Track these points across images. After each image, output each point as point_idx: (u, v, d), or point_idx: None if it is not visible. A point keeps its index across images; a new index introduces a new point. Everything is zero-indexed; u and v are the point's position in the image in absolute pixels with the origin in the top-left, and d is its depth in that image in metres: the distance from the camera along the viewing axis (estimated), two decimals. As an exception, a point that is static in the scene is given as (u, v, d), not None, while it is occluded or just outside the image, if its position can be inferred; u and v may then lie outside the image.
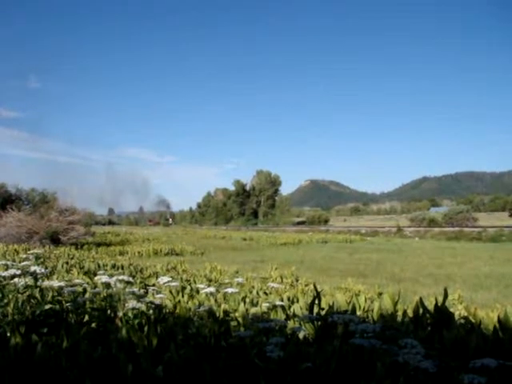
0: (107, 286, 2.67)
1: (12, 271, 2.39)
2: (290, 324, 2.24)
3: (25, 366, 1.64)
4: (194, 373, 1.56)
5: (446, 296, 2.24)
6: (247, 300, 3.31)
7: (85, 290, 3.05)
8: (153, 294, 3.11)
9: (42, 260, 7.91)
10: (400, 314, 2.38)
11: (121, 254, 15.06)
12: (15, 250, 11.85)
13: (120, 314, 2.45)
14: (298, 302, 3.03)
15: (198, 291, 3.84)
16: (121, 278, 2.65)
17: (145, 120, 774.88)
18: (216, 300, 3.06)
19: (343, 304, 2.54)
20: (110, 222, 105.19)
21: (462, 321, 2.25)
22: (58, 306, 2.57)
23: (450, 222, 38.07)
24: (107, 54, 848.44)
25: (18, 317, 2.29)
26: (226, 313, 2.59)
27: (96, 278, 2.94)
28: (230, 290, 3.02)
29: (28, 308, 2.43)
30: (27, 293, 2.48)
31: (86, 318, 2.50)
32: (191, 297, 3.44)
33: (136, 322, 2.37)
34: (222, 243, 24.57)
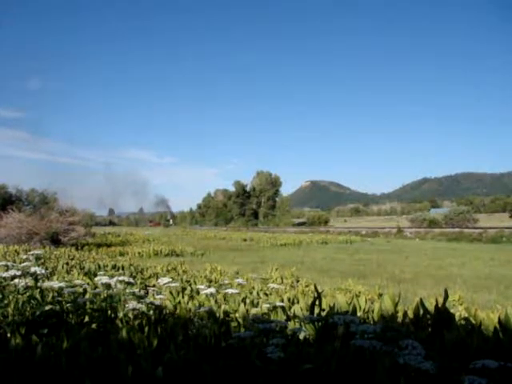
0: (107, 286, 2.67)
1: (12, 272, 2.39)
2: (291, 325, 2.24)
3: (25, 367, 1.64)
4: (194, 374, 1.55)
5: (446, 297, 2.24)
6: (247, 301, 3.30)
7: (85, 291, 3.05)
8: (153, 295, 3.12)
9: (42, 261, 7.92)
10: (400, 314, 2.38)
11: (121, 254, 15.06)
12: (15, 250, 11.86)
13: (120, 314, 2.45)
14: (298, 302, 3.03)
15: (198, 292, 3.84)
16: (121, 278, 2.66)
17: (145, 121, 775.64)
18: (216, 301, 3.06)
19: (344, 305, 2.54)
20: (111, 223, 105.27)
21: (463, 322, 2.24)
22: (58, 307, 2.57)
23: (451, 223, 38.05)
24: (107, 55, 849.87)
25: (19, 317, 2.29)
26: (226, 313, 2.59)
27: (96, 279, 2.94)
28: (230, 291, 3.02)
29: (28, 309, 2.43)
30: (27, 294, 2.48)
31: (87, 318, 2.50)
32: (191, 297, 3.44)
33: (136, 322, 2.37)
34: (222, 244, 24.56)
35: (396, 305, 2.44)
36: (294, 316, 2.47)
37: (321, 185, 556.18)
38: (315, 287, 2.69)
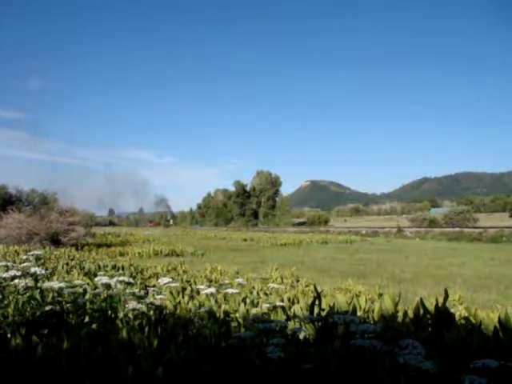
0: (107, 286, 2.67)
1: (12, 272, 2.39)
2: (291, 325, 2.24)
3: (25, 367, 1.64)
4: (195, 374, 1.55)
5: (446, 297, 2.24)
6: (248, 301, 3.30)
7: (85, 291, 3.05)
8: (153, 295, 3.12)
9: (42, 261, 7.92)
10: (401, 314, 2.38)
11: (121, 254, 15.06)
12: (15, 251, 11.86)
13: (120, 314, 2.45)
14: (298, 302, 3.03)
15: (198, 292, 3.84)
16: (121, 278, 2.66)
17: (145, 121, 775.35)
18: (216, 301, 3.06)
19: (344, 305, 2.54)
20: (111, 223, 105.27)
21: (463, 321, 2.24)
22: (58, 307, 2.57)
23: (451, 223, 38.06)
24: (107, 55, 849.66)
25: (19, 318, 2.29)
26: (226, 313, 2.59)
27: (96, 279, 2.94)
28: (230, 291, 3.02)
29: (28, 309, 2.43)
30: (28, 294, 2.48)
31: (87, 318, 2.50)
32: (191, 298, 3.44)
33: (136, 322, 2.37)
34: (222, 244, 24.56)
35: (396, 304, 2.44)
36: (294, 316, 2.48)
37: (321, 185, 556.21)
38: (315, 287, 2.69)
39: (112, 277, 2.83)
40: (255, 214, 78.81)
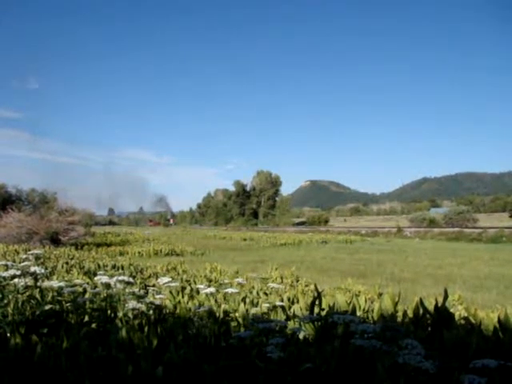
0: (107, 286, 2.67)
1: (12, 271, 2.39)
2: (291, 324, 2.24)
3: (25, 367, 1.64)
4: (194, 373, 1.55)
5: (446, 296, 2.24)
6: (247, 300, 3.31)
7: (85, 291, 3.05)
8: (153, 295, 3.11)
9: (41, 260, 7.92)
10: (400, 314, 2.38)
11: (121, 254, 15.06)
12: (15, 250, 11.86)
13: (120, 314, 2.45)
14: (298, 302, 3.03)
15: (198, 291, 3.84)
16: (121, 278, 2.65)
17: (143, 120, 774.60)
18: (216, 300, 3.06)
19: (343, 304, 2.54)
20: (110, 223, 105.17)
21: (463, 321, 2.25)
22: (58, 307, 2.57)
23: (450, 223, 38.06)
24: (106, 55, 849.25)
25: (18, 317, 2.29)
26: (226, 313, 2.59)
27: (96, 279, 2.94)
28: (230, 291, 3.02)
29: (28, 308, 2.43)
30: (27, 293, 2.48)
31: (86, 318, 2.50)
32: (191, 297, 3.44)
33: (136, 322, 2.37)
34: (222, 243, 24.56)
35: (396, 304, 2.44)
36: (294, 315, 2.48)
37: (321, 184, 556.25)
38: (315, 287, 2.69)
39: (112, 276, 2.83)
40: (255, 214, 78.82)
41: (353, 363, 1.51)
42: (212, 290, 3.02)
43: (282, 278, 7.11)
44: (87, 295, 2.84)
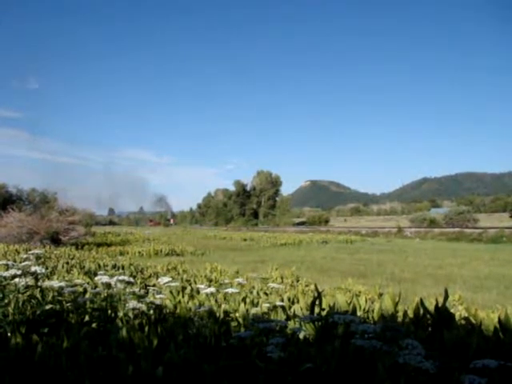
0: (108, 286, 2.67)
1: (13, 271, 2.39)
2: (291, 324, 2.24)
3: (25, 366, 1.64)
4: (195, 373, 1.56)
5: (446, 297, 2.24)
6: (247, 300, 3.31)
7: (85, 290, 3.05)
8: (153, 295, 3.11)
9: (42, 260, 7.93)
10: (400, 314, 2.38)
11: (121, 254, 15.07)
12: (16, 250, 11.87)
13: (120, 314, 2.45)
14: (298, 302, 3.03)
15: (198, 291, 3.84)
16: (121, 278, 2.66)
17: (143, 120, 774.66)
18: (216, 300, 3.06)
19: (344, 304, 2.54)
20: (111, 223, 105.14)
21: (463, 321, 2.25)
22: (58, 306, 2.58)
23: (451, 223, 38.04)
24: (106, 55, 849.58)
25: (19, 317, 2.30)
26: (226, 313, 2.59)
27: (96, 278, 2.94)
28: (230, 291, 3.03)
29: (28, 308, 2.43)
30: (28, 293, 2.48)
31: (87, 318, 2.50)
32: (191, 297, 3.44)
33: (136, 322, 2.38)
34: (222, 243, 24.56)
35: (396, 304, 2.44)
36: (294, 315, 2.48)
37: (321, 184, 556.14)
38: (315, 287, 2.69)
39: (112, 276, 2.84)
40: (255, 214, 78.81)
41: (353, 363, 1.51)
42: (212, 289, 3.02)
43: (282, 278, 7.11)
44: (87, 295, 2.84)
